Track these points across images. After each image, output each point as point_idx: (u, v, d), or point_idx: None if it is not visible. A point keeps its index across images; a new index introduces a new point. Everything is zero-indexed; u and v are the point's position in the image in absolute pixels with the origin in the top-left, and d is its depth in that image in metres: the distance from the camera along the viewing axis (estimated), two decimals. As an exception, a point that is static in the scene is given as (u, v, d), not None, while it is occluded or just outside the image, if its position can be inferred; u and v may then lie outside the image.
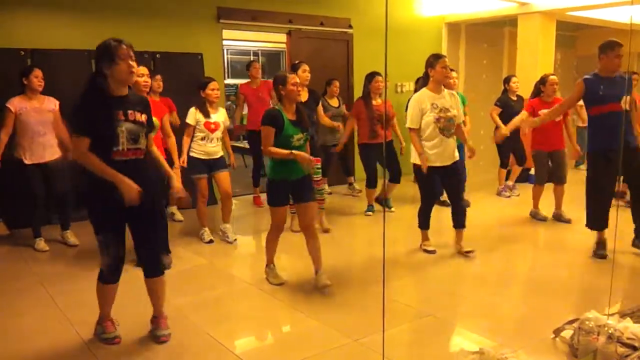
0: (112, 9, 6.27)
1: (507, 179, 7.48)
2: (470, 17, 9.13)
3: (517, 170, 7.46)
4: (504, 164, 7.34)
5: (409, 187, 7.49)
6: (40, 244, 5.17)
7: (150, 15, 6.53)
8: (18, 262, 4.89)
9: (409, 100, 4.87)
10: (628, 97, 4.42)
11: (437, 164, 4.71)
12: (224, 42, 7.53)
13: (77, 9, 6.11)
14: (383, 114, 6.07)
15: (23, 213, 5.34)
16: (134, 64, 3.00)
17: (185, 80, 6.44)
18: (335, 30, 8.13)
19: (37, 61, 5.73)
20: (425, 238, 5.03)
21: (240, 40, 10.20)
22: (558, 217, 6.05)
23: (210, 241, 5.37)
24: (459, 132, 4.86)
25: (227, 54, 10.99)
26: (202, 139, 5.19)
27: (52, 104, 5.12)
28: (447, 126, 4.66)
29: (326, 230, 5.69)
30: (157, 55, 6.50)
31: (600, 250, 4.72)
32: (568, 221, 5.94)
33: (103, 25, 6.11)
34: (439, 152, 4.68)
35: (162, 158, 3.56)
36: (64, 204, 5.31)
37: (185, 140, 5.21)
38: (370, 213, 6.47)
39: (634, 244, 4.76)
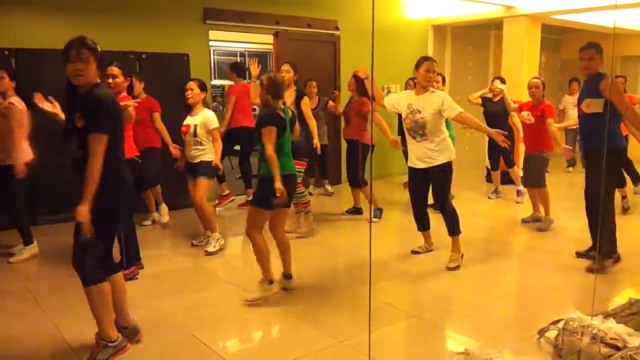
0: (98, 9, 6.22)
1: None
2: (456, 20, 9.18)
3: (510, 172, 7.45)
4: (494, 166, 7.38)
5: (398, 191, 7.54)
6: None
7: (136, 15, 6.49)
8: (3, 266, 4.82)
9: None
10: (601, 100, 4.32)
11: (411, 165, 4.74)
12: (211, 43, 7.50)
13: (62, 8, 6.05)
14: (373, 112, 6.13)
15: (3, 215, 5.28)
16: (83, 65, 2.90)
17: (171, 81, 6.41)
18: (322, 32, 8.14)
19: (22, 61, 5.70)
20: (423, 240, 5.04)
21: (227, 41, 10.17)
22: (535, 219, 6.06)
23: (194, 245, 5.31)
24: (466, 121, 4.61)
25: (214, 55, 10.96)
26: (184, 142, 5.18)
27: (8, 101, 4.77)
28: (412, 127, 4.59)
29: (299, 235, 5.62)
30: (143, 56, 6.46)
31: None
32: (540, 221, 5.94)
33: (89, 25, 6.06)
34: (411, 152, 4.73)
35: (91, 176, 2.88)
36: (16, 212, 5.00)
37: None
38: (347, 215, 6.52)
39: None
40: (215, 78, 10.77)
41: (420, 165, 4.66)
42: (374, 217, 6.24)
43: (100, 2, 6.25)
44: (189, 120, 5.09)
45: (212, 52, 9.64)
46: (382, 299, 3.96)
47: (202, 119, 5.06)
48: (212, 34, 7.29)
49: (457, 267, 4.64)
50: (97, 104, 2.94)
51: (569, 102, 9.48)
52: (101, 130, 2.89)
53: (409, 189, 4.94)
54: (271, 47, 8.29)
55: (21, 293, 4.13)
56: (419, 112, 4.54)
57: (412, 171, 4.77)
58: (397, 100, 4.79)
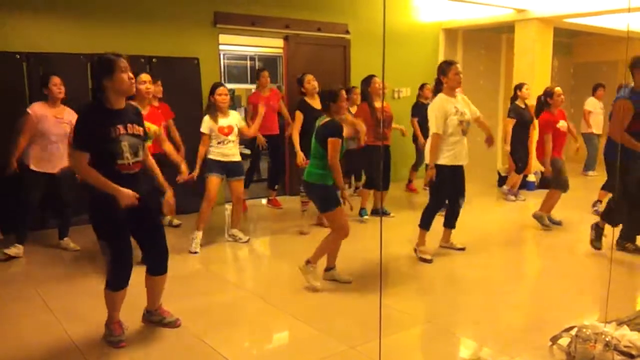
0: (108, 13, 6.24)
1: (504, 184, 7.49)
2: (467, 24, 9.15)
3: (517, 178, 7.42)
4: (519, 169, 7.29)
5: (404, 195, 7.49)
6: (19, 249, 5.04)
7: (146, 19, 6.51)
8: (13, 267, 4.84)
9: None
10: None
11: (456, 163, 4.84)
12: (221, 47, 7.52)
13: (73, 12, 6.08)
14: (382, 117, 6.21)
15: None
16: (132, 75, 3.13)
17: (182, 85, 6.41)
18: (332, 35, 8.12)
19: (33, 65, 5.72)
20: (422, 242, 4.97)
21: (237, 45, 10.19)
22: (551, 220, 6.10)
23: (195, 252, 5.19)
24: (482, 125, 5.14)
25: (224, 59, 10.97)
26: (218, 143, 5.24)
27: (70, 116, 4.96)
28: (466, 128, 4.85)
29: (304, 233, 5.87)
30: (154, 60, 6.48)
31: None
32: (558, 223, 6.05)
33: (99, 29, 6.11)
34: (459, 152, 4.83)
35: (157, 169, 3.57)
36: (67, 213, 5.24)
37: (201, 149, 5.20)
38: (365, 217, 6.45)
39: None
40: (225, 82, 10.79)
41: (463, 161, 4.89)
42: (363, 215, 6.45)
43: (110, 6, 6.27)
44: (226, 122, 5.25)
45: (222, 56, 9.65)
46: (393, 304, 3.93)
47: (237, 119, 5.35)
48: (222, 37, 7.30)
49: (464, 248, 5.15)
50: (142, 116, 3.35)
51: (597, 106, 9.24)
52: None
53: (443, 188, 4.93)
54: (281, 51, 8.28)
55: (29, 294, 4.14)
56: (466, 113, 4.85)
57: (452, 169, 4.84)
58: (444, 114, 4.76)
